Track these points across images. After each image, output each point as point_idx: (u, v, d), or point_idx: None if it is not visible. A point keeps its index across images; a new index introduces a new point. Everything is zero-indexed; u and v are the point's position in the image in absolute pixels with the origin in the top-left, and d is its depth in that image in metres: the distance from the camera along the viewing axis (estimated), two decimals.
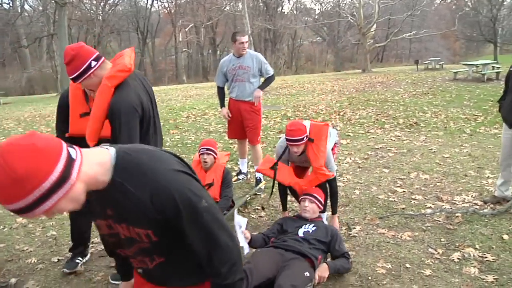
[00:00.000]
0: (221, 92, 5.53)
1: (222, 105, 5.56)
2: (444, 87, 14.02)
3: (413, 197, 4.78)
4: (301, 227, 3.39)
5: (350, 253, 3.58)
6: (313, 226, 3.39)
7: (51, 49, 34.91)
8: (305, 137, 3.62)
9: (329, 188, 3.83)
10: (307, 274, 2.95)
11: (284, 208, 4.13)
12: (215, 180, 4.21)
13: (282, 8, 45.48)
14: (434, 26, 35.88)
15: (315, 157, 3.66)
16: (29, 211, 1.11)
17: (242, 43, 5.07)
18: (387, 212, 4.41)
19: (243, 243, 3.17)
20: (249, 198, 4.99)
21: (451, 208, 4.40)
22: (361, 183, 5.37)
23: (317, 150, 3.66)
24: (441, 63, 24.34)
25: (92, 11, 39.75)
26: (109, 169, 1.30)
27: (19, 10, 36.87)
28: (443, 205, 4.50)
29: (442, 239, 3.76)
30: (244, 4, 17.99)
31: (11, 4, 36.68)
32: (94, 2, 39.85)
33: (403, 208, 4.48)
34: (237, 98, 5.30)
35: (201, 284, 1.57)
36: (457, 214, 4.21)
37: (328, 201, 3.94)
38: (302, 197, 3.65)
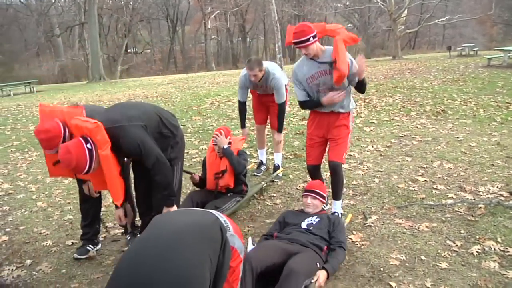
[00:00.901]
0: (242, 109, 5.19)
1: (242, 125, 5.26)
2: (476, 73, 13.52)
3: (434, 186, 4.60)
4: (304, 220, 3.29)
5: (363, 243, 3.50)
6: (316, 218, 3.30)
7: (83, 38, 35.59)
8: (312, 38, 3.41)
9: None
10: (318, 264, 2.88)
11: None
12: (228, 166, 4.14)
13: None
14: (469, 11, 34.55)
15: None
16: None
17: (250, 75, 4.75)
18: (406, 202, 4.26)
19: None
20: (265, 185, 4.92)
21: (473, 199, 4.21)
22: (381, 171, 5.22)
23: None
24: (475, 49, 23.52)
25: (122, 0, 40.19)
26: None
27: (52, 0, 37.62)
28: (465, 196, 4.31)
29: (462, 231, 3.60)
30: None
31: None
32: None
33: (423, 198, 4.32)
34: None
35: None
36: (480, 205, 4.02)
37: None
38: (304, 193, 3.55)
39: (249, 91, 5.13)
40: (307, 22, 3.52)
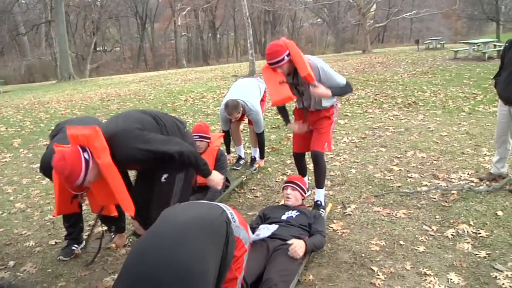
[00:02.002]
0: (226, 137, 5.33)
1: (228, 151, 5.48)
2: (444, 66, 13.91)
3: (409, 175, 4.77)
4: (284, 214, 3.37)
5: (344, 231, 3.62)
6: (296, 212, 3.38)
7: (50, 36, 34.77)
8: (286, 56, 3.38)
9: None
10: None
11: (287, 121, 4.01)
12: (208, 164, 4.17)
13: None
14: (435, 5, 35.39)
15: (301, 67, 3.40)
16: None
17: (231, 120, 5.06)
18: (383, 191, 4.41)
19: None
20: (245, 178, 4.99)
21: (446, 186, 4.39)
22: (357, 162, 5.36)
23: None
24: (442, 42, 24.12)
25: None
26: None
27: None
28: (439, 183, 4.49)
29: (437, 216, 3.76)
30: None
31: None
32: None
33: (399, 186, 4.48)
34: None
35: None
36: (452, 192, 4.20)
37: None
38: (284, 185, 3.65)
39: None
40: (278, 41, 3.47)
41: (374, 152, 5.70)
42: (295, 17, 46.07)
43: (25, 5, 37.00)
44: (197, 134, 4.24)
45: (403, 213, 3.86)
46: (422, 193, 4.27)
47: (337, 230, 3.65)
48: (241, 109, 4.84)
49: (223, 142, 5.17)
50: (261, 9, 34.34)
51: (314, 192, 4.09)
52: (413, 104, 8.47)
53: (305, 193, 3.64)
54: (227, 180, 4.41)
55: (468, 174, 4.70)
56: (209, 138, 4.33)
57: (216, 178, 3.11)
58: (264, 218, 3.42)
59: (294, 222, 3.24)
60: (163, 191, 2.97)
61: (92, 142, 2.57)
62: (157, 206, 2.89)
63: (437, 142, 5.88)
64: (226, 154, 4.84)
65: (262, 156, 5.33)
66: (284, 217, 3.32)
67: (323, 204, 3.93)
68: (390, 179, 4.72)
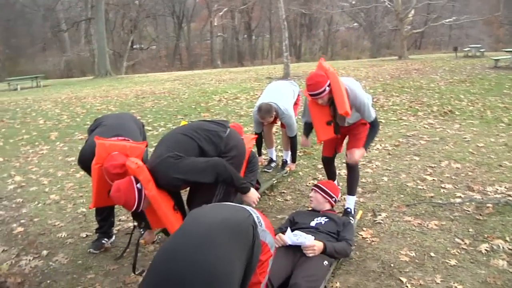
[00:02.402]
0: (258, 140, 5.29)
1: (259, 154, 5.49)
2: (483, 75, 13.52)
3: (442, 185, 4.66)
4: (314, 220, 3.35)
5: (374, 239, 3.56)
6: (325, 218, 3.35)
7: (89, 33, 35.66)
8: (327, 87, 3.42)
9: (371, 126, 3.64)
10: (326, 263, 2.92)
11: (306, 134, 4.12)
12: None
13: None
14: (477, 12, 34.38)
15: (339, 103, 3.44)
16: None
17: (263, 123, 5.05)
18: (415, 200, 4.32)
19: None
20: (275, 181, 4.98)
21: (482, 198, 4.26)
22: (390, 170, 5.28)
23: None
24: (482, 50, 23.43)
25: None
26: None
27: None
28: (473, 195, 4.37)
29: (470, 230, 3.66)
30: None
31: None
32: None
33: (431, 197, 4.38)
34: None
35: None
36: (488, 205, 4.08)
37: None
38: (312, 187, 3.65)
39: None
40: (319, 71, 3.52)
41: (407, 160, 5.59)
42: (331, 21, 45.68)
43: (67, 2, 38.05)
44: None
45: (435, 224, 3.77)
46: (456, 204, 4.15)
47: (367, 238, 3.60)
48: (274, 112, 4.82)
49: (255, 144, 5.16)
50: (298, 11, 34.28)
51: (344, 198, 4.04)
52: (449, 113, 8.27)
53: (331, 198, 3.57)
54: (257, 182, 4.41)
55: (505, 187, 4.55)
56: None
57: (253, 196, 3.13)
58: (293, 222, 3.41)
59: (323, 229, 3.21)
60: (206, 189, 3.05)
61: (138, 175, 2.85)
62: (198, 204, 2.94)
63: (473, 153, 5.72)
64: (257, 156, 4.84)
65: (293, 159, 5.29)
66: (313, 223, 3.30)
67: (353, 212, 3.88)
68: (423, 188, 4.62)
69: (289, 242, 2.99)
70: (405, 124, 7.58)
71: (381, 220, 3.92)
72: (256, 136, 5.01)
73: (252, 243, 1.97)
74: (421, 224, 3.80)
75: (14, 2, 38.91)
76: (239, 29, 47.09)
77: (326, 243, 2.99)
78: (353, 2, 40.01)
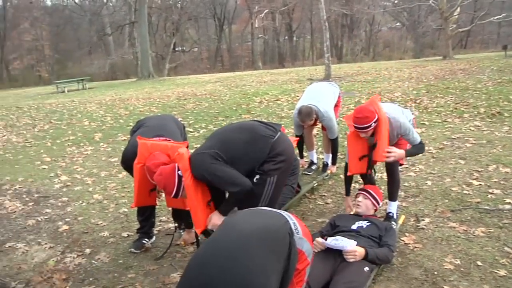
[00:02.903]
0: (299, 142, 5.22)
1: (300, 156, 5.45)
2: None
3: (490, 191, 4.46)
4: (355, 223, 3.28)
5: (416, 245, 3.45)
6: (367, 222, 3.27)
7: (132, 36, 36.60)
8: (373, 123, 3.40)
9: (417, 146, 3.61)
10: (366, 269, 2.84)
11: (348, 193, 3.94)
12: None
13: None
14: None
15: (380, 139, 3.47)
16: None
17: (304, 126, 4.97)
18: (460, 206, 4.16)
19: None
20: (316, 184, 4.92)
21: None
22: (434, 173, 5.11)
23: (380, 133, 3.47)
24: None
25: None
26: None
27: (105, 1, 38.98)
28: None
29: None
30: None
31: None
32: None
33: (478, 202, 4.20)
34: None
35: None
36: None
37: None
38: (357, 192, 3.56)
39: None
40: (370, 106, 3.49)
41: (452, 164, 5.40)
42: (373, 21, 44.94)
43: (112, 7, 39.27)
44: None
45: (482, 232, 3.61)
46: (505, 211, 3.96)
47: (409, 244, 3.49)
48: (314, 115, 4.76)
49: (296, 146, 5.11)
50: (339, 12, 33.94)
51: (386, 203, 3.93)
52: (497, 115, 7.92)
53: (378, 204, 3.52)
54: (298, 185, 4.37)
55: None
56: None
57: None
58: (334, 226, 3.35)
59: (364, 233, 3.14)
60: (253, 192, 3.02)
61: (178, 162, 2.97)
62: (245, 206, 2.95)
63: None
64: (298, 158, 4.79)
65: (334, 162, 5.21)
66: (354, 226, 3.24)
67: (395, 216, 3.78)
68: (469, 193, 4.44)
69: (329, 245, 2.94)
70: (450, 127, 7.33)
71: (424, 225, 3.79)
72: (297, 139, 4.91)
73: (289, 252, 1.92)
74: (466, 230, 3.65)
75: (62, 8, 40.54)
76: (280, 30, 47.08)
77: (367, 249, 2.92)
78: (396, 2, 39.20)
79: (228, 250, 1.76)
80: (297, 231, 2.05)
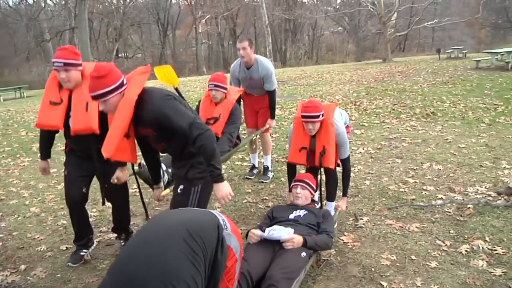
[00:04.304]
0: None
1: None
2: (465, 76, 13.67)
3: (424, 188, 4.68)
4: (292, 213, 3.33)
5: (355, 244, 3.55)
6: (304, 211, 3.33)
7: (73, 43, 35.40)
8: (321, 115, 3.60)
9: (343, 169, 3.82)
10: (303, 254, 2.88)
11: (291, 189, 3.96)
12: (222, 115, 4.17)
13: None
14: (458, 14, 34.93)
15: (326, 139, 3.66)
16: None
17: (239, 49, 4.80)
18: (397, 203, 4.34)
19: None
20: (254, 137, 5.03)
21: (462, 199, 4.29)
22: (372, 173, 5.29)
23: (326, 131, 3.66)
24: (464, 51, 23.70)
25: (113, 4, 40.12)
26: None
27: (42, 5, 37.51)
28: (455, 196, 4.40)
29: (451, 231, 3.67)
30: None
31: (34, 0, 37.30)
32: None
33: (413, 199, 4.40)
34: (254, 94, 5.14)
35: None
36: (468, 206, 4.10)
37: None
38: (293, 183, 3.62)
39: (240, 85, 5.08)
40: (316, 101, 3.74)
41: (389, 163, 5.62)
42: (315, 26, 45.95)
43: (50, 12, 37.84)
44: (213, 83, 4.19)
45: (416, 227, 3.78)
46: (437, 206, 4.18)
47: (348, 243, 3.59)
48: (253, 47, 4.86)
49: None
50: (281, 17, 34.44)
51: (325, 204, 4.03)
52: (431, 115, 8.34)
53: (314, 192, 3.60)
54: (238, 138, 4.34)
55: (485, 187, 4.59)
56: (225, 89, 4.25)
57: (225, 190, 2.64)
58: (272, 218, 3.38)
59: (302, 221, 3.19)
60: (178, 201, 2.92)
61: (135, 74, 2.75)
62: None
63: (455, 154, 5.77)
64: (241, 109, 4.67)
65: (272, 115, 5.12)
66: (291, 216, 3.28)
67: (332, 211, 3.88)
68: (405, 191, 4.64)
69: (266, 237, 2.96)
70: (388, 127, 7.63)
71: (363, 224, 3.92)
72: (242, 89, 4.86)
73: (217, 244, 1.89)
74: (402, 227, 3.81)
75: None
76: (224, 35, 47.13)
77: (305, 236, 2.96)
78: (337, 7, 40.32)
79: (152, 244, 1.71)
80: (225, 226, 2.02)
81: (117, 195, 3.59)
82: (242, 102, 5.19)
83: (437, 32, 41.59)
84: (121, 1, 40.90)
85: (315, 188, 3.62)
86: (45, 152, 3.57)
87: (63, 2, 35.44)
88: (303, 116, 3.61)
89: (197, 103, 4.61)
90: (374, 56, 37.50)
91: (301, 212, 3.32)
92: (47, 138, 3.52)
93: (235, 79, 5.11)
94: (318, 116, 3.58)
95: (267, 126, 5.11)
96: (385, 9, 25.99)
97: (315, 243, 2.98)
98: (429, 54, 32.94)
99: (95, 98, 2.61)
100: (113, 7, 39.59)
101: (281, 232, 2.96)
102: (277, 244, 2.94)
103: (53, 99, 3.19)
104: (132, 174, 3.39)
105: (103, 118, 3.08)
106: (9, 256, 3.85)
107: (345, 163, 3.81)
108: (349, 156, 3.82)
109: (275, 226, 3.08)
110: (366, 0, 28.22)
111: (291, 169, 4.02)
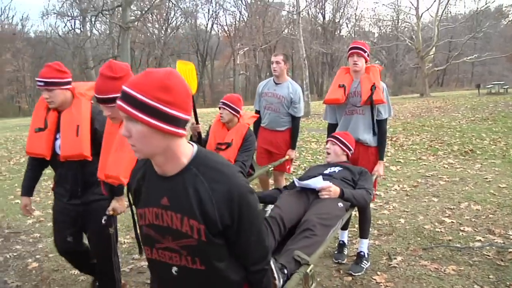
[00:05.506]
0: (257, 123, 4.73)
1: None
2: (506, 112, 13.32)
3: (461, 228, 4.53)
4: (327, 169, 3.24)
5: (388, 284, 3.46)
6: (339, 168, 3.25)
7: None
8: (367, 54, 3.60)
9: (380, 132, 3.68)
10: (341, 205, 2.77)
11: None
12: (234, 141, 3.84)
13: (340, 32, 45.45)
14: (499, 49, 34.30)
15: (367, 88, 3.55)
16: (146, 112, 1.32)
17: (272, 63, 4.57)
18: (432, 244, 4.20)
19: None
20: (271, 168, 4.54)
21: (503, 243, 4.12)
22: (407, 211, 5.17)
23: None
24: (505, 87, 23.19)
25: (154, 35, 41.55)
26: (189, 156, 1.45)
27: (88, 34, 39.25)
28: (494, 239, 4.22)
29: (491, 276, 3.52)
30: (299, 28, 18.10)
31: (81, 29, 39.03)
32: (157, 26, 41.69)
33: (449, 240, 4.26)
34: (269, 127, 4.67)
35: None
36: (510, 250, 3.93)
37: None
38: (327, 139, 3.58)
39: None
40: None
41: (425, 201, 5.48)
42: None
43: (95, 41, 39.52)
44: (222, 101, 3.91)
45: (453, 270, 3.64)
46: (475, 249, 4.02)
47: (381, 283, 3.50)
48: (288, 64, 4.73)
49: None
50: (319, 50, 34.74)
51: (358, 241, 3.96)
52: (470, 152, 8.13)
53: (349, 150, 3.47)
54: (251, 167, 4.10)
55: None
56: (236, 111, 3.89)
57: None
58: (306, 178, 3.14)
59: (336, 176, 3.09)
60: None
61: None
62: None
63: (495, 194, 5.58)
64: (255, 136, 4.26)
65: (293, 146, 4.73)
66: (326, 171, 3.19)
67: (366, 255, 3.79)
68: (441, 231, 4.50)
69: (301, 184, 2.87)
70: (425, 164, 7.48)
71: (397, 264, 3.81)
72: (257, 115, 4.55)
73: None
74: (438, 269, 3.69)
75: (46, 40, 40.64)
76: (262, 67, 47.83)
77: (342, 188, 2.85)
78: (374, 41, 40.37)
79: None
80: None
81: (98, 247, 3.08)
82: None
83: (476, 67, 40.93)
84: (162, 32, 42.30)
85: (350, 147, 3.46)
86: (27, 186, 3.16)
87: (108, 32, 37.01)
88: (350, 48, 3.61)
89: (207, 128, 4.33)
90: (412, 90, 37.19)
91: (336, 169, 3.23)
92: (33, 168, 3.14)
93: (257, 96, 4.80)
94: (364, 50, 3.57)
95: (287, 157, 4.65)
96: (423, 43, 25.86)
97: (352, 196, 2.87)
98: (468, 89, 32.40)
99: (103, 101, 2.37)
100: (154, 37, 40.97)
101: (316, 180, 2.86)
102: (312, 194, 2.83)
103: (37, 124, 2.88)
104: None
105: (96, 144, 2.78)
106: (44, 278, 3.94)
107: (383, 125, 3.66)
108: (386, 119, 3.70)
109: (309, 180, 2.94)
110: (404, 34, 28.19)
111: (330, 130, 3.87)
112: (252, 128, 4.19)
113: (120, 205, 2.81)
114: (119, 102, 1.34)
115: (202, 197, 1.41)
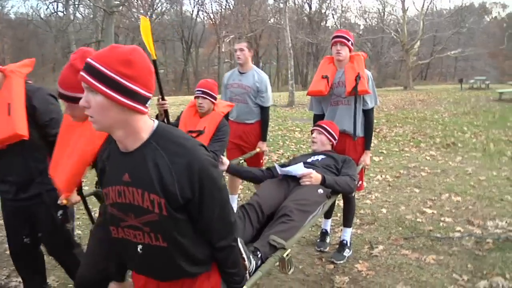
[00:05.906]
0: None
1: None
2: (487, 107, 13.54)
3: (442, 219, 4.59)
4: (310, 158, 3.24)
5: (369, 272, 3.49)
6: (323, 156, 3.25)
7: None
8: (350, 43, 3.55)
9: (367, 121, 3.65)
10: (320, 191, 2.75)
11: None
12: (207, 129, 3.51)
13: (326, 23, 45.44)
14: (482, 44, 34.77)
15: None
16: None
17: (236, 50, 4.28)
18: (413, 233, 4.25)
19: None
20: (242, 160, 4.46)
21: (481, 233, 4.19)
22: (389, 201, 5.22)
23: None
24: (487, 82, 23.55)
25: (139, 20, 41.00)
26: (149, 131, 1.45)
27: (71, 18, 38.51)
28: (473, 230, 4.30)
29: (469, 266, 3.58)
30: (285, 17, 18.04)
31: (64, 12, 38.25)
32: (142, 11, 41.09)
33: (430, 230, 4.31)
34: (238, 120, 4.39)
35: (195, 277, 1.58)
36: (488, 240, 4.00)
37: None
38: (312, 129, 3.57)
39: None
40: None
41: (407, 192, 5.54)
42: None
43: (78, 25, 38.82)
44: (200, 89, 3.55)
45: (433, 259, 3.69)
46: (455, 239, 4.08)
47: (362, 271, 3.53)
48: (252, 52, 4.43)
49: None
50: (304, 40, 34.70)
51: (341, 230, 3.98)
52: (451, 145, 8.24)
53: (334, 139, 3.46)
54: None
55: (506, 222, 4.47)
56: (215, 98, 3.59)
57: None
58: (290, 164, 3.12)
59: (319, 164, 3.09)
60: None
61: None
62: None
63: (475, 186, 5.67)
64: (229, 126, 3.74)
65: (264, 138, 4.46)
66: (309, 160, 3.19)
67: (348, 244, 3.82)
68: (422, 221, 4.55)
69: (281, 171, 2.87)
70: (407, 156, 7.55)
71: (378, 253, 3.85)
72: (233, 104, 4.08)
73: None
74: (418, 258, 3.73)
75: (27, 23, 39.79)
76: None
77: (324, 174, 2.85)
78: (360, 33, 40.47)
79: None
80: None
81: (57, 247, 2.87)
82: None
83: (460, 61, 41.38)
84: (148, 17, 41.76)
85: (335, 136, 3.46)
86: None
87: (91, 16, 36.38)
88: (333, 37, 3.57)
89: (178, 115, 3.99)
90: (396, 83, 37.47)
91: (319, 157, 3.23)
92: None
93: (223, 88, 4.54)
94: (347, 39, 3.51)
95: (258, 150, 4.38)
96: (408, 37, 26.02)
97: (334, 182, 2.86)
98: (451, 84, 32.80)
99: (67, 98, 2.08)
100: (138, 22, 40.43)
101: (298, 168, 2.84)
102: (292, 181, 2.83)
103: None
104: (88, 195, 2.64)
105: (40, 125, 2.52)
106: None
107: (370, 114, 3.65)
108: (373, 108, 3.68)
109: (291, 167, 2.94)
110: (389, 27, 28.31)
111: (316, 120, 3.81)
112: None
113: (74, 196, 2.44)
114: (81, 73, 1.35)
115: (162, 170, 1.40)
